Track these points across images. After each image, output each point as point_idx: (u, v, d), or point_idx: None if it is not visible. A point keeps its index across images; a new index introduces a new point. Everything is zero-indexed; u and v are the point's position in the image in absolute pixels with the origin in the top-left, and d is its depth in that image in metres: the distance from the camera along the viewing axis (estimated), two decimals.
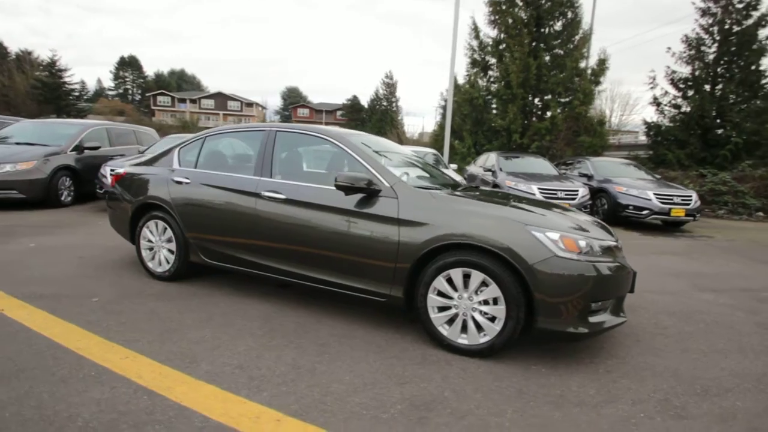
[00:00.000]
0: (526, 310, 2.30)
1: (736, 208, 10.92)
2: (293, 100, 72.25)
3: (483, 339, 2.40)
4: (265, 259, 3.06)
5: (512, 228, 2.33)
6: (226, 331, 2.69)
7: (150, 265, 3.66)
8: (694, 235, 7.59)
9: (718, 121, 13.79)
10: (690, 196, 7.87)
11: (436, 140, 22.95)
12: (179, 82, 73.40)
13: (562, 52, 14.29)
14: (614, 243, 2.56)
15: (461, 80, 16.36)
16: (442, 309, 2.51)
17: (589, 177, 9.07)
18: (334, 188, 2.80)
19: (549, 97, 13.48)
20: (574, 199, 7.60)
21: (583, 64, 13.72)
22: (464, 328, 2.45)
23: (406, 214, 2.56)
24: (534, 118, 14.35)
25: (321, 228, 2.81)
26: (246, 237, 3.11)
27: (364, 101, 53.41)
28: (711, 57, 14.50)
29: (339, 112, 59.29)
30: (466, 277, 2.41)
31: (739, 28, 13.81)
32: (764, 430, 1.86)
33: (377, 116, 50.19)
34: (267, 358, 2.35)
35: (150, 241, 3.63)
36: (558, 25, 14.54)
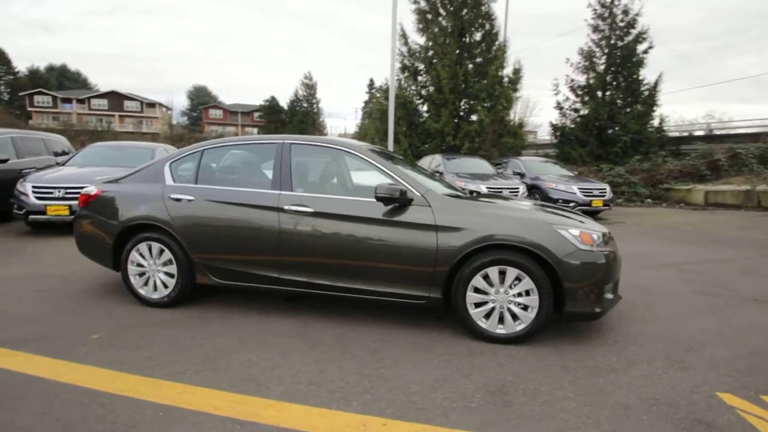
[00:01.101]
0: (555, 298, 2.67)
1: (631, 197, 13.01)
2: (202, 100, 67.29)
3: (519, 327, 2.72)
4: (290, 273, 3.03)
5: (542, 228, 2.68)
6: (270, 350, 2.64)
7: (142, 291, 3.35)
8: (610, 222, 8.93)
9: (610, 122, 16.19)
10: (605, 189, 9.24)
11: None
12: (60, 80, 63.66)
13: (481, 60, 15.57)
14: (609, 233, 3.06)
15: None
16: (478, 305, 2.77)
17: (522, 175, 10.12)
18: (361, 199, 2.91)
19: (474, 101, 14.59)
20: (516, 195, 8.45)
21: (502, 72, 15.09)
22: (500, 320, 2.75)
23: (443, 220, 2.77)
24: (462, 121, 15.41)
25: (355, 239, 2.89)
26: (268, 253, 3.05)
27: (284, 102, 51.82)
28: (601, 68, 16.95)
29: (256, 114, 56.74)
30: (501, 273, 2.71)
31: (622, 43, 16.36)
32: (743, 370, 2.43)
33: (298, 117, 49.12)
34: (330, 371, 2.39)
35: (140, 265, 3.33)
36: (478, 36, 15.79)
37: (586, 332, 2.98)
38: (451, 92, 14.17)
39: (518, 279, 2.69)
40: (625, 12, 16.57)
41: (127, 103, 55.08)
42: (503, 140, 14.85)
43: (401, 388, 2.21)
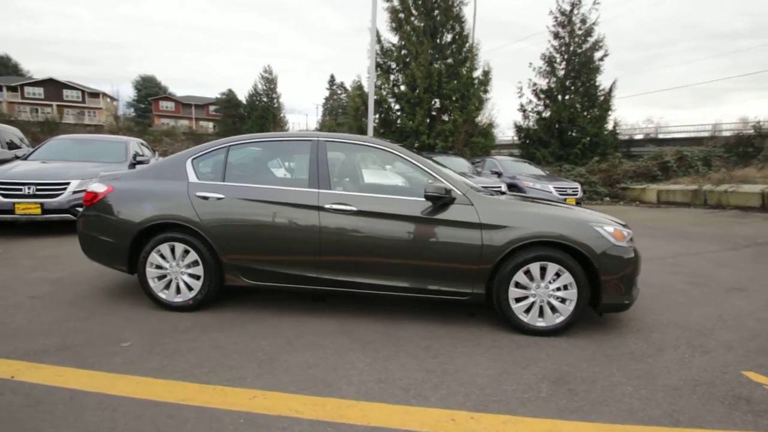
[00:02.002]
0: (591, 291, 2.85)
1: (592, 195, 13.91)
2: (150, 90, 63.09)
3: (558, 320, 2.87)
4: (329, 273, 2.99)
5: (582, 226, 2.85)
6: (322, 351, 2.60)
7: (162, 295, 3.17)
8: None
9: (570, 125, 17.19)
10: (577, 187, 9.84)
11: None
12: None
13: (452, 61, 15.95)
14: (631, 231, 3.29)
15: (364, 82, 16.86)
16: (518, 300, 2.89)
17: (499, 174, 10.51)
18: (403, 197, 2.94)
19: (448, 102, 14.93)
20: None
21: (473, 74, 15.54)
22: (540, 314, 2.89)
23: (487, 218, 2.86)
24: (434, 120, 15.71)
25: (399, 237, 2.91)
26: (307, 253, 2.99)
27: (242, 96, 49.87)
28: (561, 73, 17.96)
29: (212, 107, 54.20)
30: (542, 269, 2.84)
31: (580, 50, 17.41)
32: (754, 351, 2.73)
33: (258, 112, 47.47)
34: (393, 369, 2.41)
35: (161, 267, 3.14)
36: (449, 37, 16.15)
37: (610, 323, 3.19)
38: (426, 92, 14.40)
39: (558, 274, 2.84)
40: (583, 21, 17.67)
41: (67, 92, 50.65)
42: (474, 140, 15.33)
43: (469, 382, 2.27)
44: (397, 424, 1.89)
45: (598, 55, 17.22)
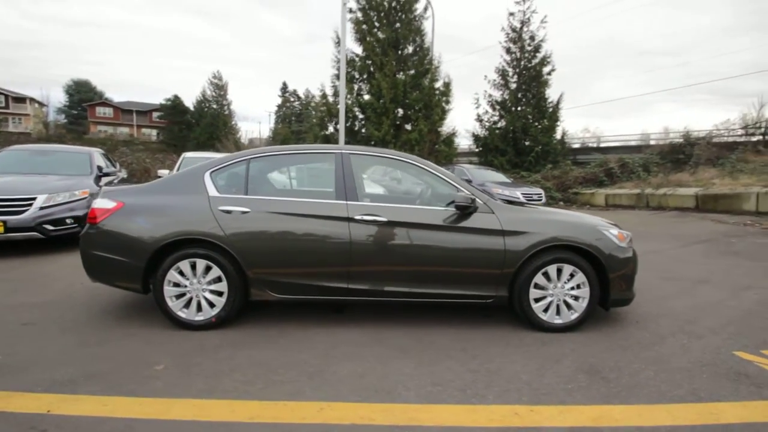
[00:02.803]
0: (600, 288, 3.14)
1: (548, 200, 14.88)
2: (84, 96, 58.31)
3: (573, 316, 3.13)
4: (360, 283, 3.05)
5: (592, 229, 3.14)
6: (365, 360, 2.66)
7: (182, 314, 3.05)
8: None
9: (524, 134, 18.30)
10: (541, 193, 10.54)
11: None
12: None
13: (414, 73, 16.45)
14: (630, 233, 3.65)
15: (328, 91, 16.92)
16: (537, 300, 3.12)
17: (469, 181, 10.96)
18: (429, 207, 3.10)
19: (412, 112, 15.36)
20: None
21: (435, 85, 16.12)
22: (557, 312, 3.14)
23: (508, 225, 3.07)
24: (399, 130, 16.07)
25: (429, 246, 3.04)
26: (338, 264, 3.02)
27: (189, 102, 47.57)
28: (514, 86, 19.11)
29: (156, 114, 51.21)
30: (558, 270, 3.10)
31: (530, 65, 18.63)
32: (735, 334, 3.15)
33: (207, 119, 45.57)
34: (440, 372, 2.52)
35: (179, 285, 3.03)
36: (410, 49, 16.65)
37: (611, 318, 3.51)
38: (392, 102, 14.72)
39: (572, 275, 3.10)
40: (532, 38, 18.94)
41: None
42: (438, 148, 15.87)
43: (515, 379, 2.44)
44: (468, 423, 2.01)
45: (546, 69, 18.51)
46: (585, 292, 3.11)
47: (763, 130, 13.90)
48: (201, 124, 45.29)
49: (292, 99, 67.77)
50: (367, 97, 16.27)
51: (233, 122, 48.65)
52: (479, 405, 2.16)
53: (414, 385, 2.35)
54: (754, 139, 13.73)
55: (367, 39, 15.82)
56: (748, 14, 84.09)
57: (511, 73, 19.23)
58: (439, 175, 3.23)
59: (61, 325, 3.12)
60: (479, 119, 19.84)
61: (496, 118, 19.45)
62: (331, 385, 2.34)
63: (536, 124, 18.55)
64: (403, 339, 2.99)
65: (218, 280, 3.04)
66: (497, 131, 18.97)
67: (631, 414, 2.10)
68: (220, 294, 3.06)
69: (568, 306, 3.14)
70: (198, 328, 3.06)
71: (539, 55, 18.63)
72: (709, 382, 2.43)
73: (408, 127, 16.28)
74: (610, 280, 3.10)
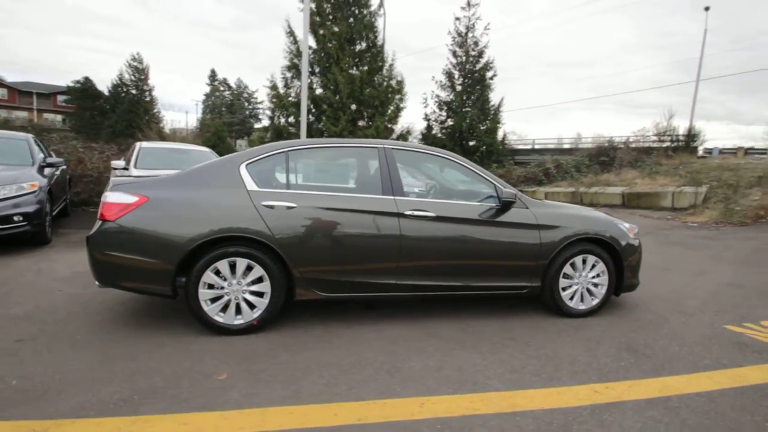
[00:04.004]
0: (616, 276, 3.49)
1: None
2: None
3: (594, 302, 3.44)
4: (408, 278, 3.05)
5: (611, 223, 3.47)
6: (431, 353, 2.69)
7: (219, 319, 2.81)
8: None
9: (470, 135, 19.23)
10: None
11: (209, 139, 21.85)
12: None
13: (367, 68, 16.44)
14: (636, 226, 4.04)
15: (279, 83, 16.24)
16: (564, 289, 3.38)
17: None
18: (470, 203, 3.21)
19: (369, 108, 15.33)
20: None
21: (388, 82, 16.23)
22: (581, 299, 3.42)
23: (542, 220, 3.28)
24: (354, 126, 15.96)
25: (473, 240, 3.13)
26: (388, 260, 2.99)
27: (103, 86, 42.33)
28: (459, 88, 19.97)
29: (62, 97, 44.89)
30: (583, 261, 3.38)
31: (475, 69, 19.60)
32: (718, 310, 3.69)
33: (125, 106, 40.95)
34: (507, 360, 2.63)
35: (214, 287, 2.78)
36: (363, 45, 16.59)
37: (615, 304, 3.89)
38: (349, 97, 14.57)
39: (593, 265, 3.41)
40: (476, 43, 19.94)
41: None
42: None
43: (575, 361, 2.64)
44: (563, 404, 2.14)
45: (489, 74, 19.63)
46: (604, 279, 3.43)
47: (672, 137, 16.20)
48: (117, 111, 40.51)
49: (221, 88, 63.76)
50: (319, 91, 15.92)
51: (156, 110, 44.38)
52: (561, 387, 2.31)
53: (492, 374, 2.44)
54: (665, 145, 15.96)
55: (320, 32, 15.45)
56: (648, 36, 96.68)
57: (456, 76, 20.08)
58: (477, 171, 3.33)
59: (68, 340, 2.70)
60: (427, 118, 20.46)
61: (443, 118, 20.21)
62: (416, 380, 2.33)
63: (480, 125, 19.60)
64: (451, 331, 3.06)
65: (260, 280, 2.84)
66: (445, 130, 19.71)
67: (685, 383, 2.40)
68: (260, 295, 2.86)
69: (590, 293, 3.44)
70: (237, 332, 2.83)
71: (482, 60, 19.67)
72: (722, 352, 2.84)
73: (361, 123, 16.25)
74: (624, 267, 3.46)
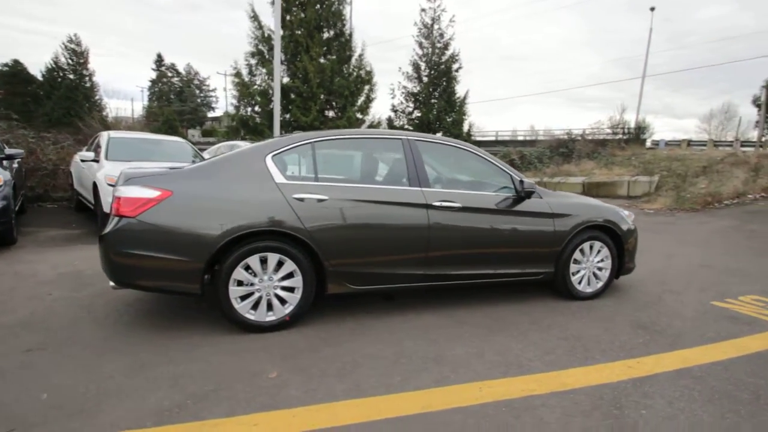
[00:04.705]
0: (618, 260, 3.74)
1: None
2: None
3: (599, 285, 3.68)
4: (436, 269, 3.10)
5: (614, 211, 3.70)
6: (465, 340, 2.77)
7: (250, 316, 2.72)
8: None
9: (438, 125, 19.52)
10: None
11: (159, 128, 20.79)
12: None
13: (336, 58, 16.15)
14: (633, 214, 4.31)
15: (243, 70, 15.57)
16: (574, 273, 3.58)
17: None
18: (491, 193, 3.31)
19: (339, 98, 15.08)
20: None
21: (358, 72, 16.05)
22: (588, 282, 3.64)
23: (555, 208, 3.44)
24: (323, 116, 15.66)
25: (497, 229, 3.24)
26: (417, 251, 3.02)
27: (36, 71, 38.36)
28: (426, 79, 20.15)
29: None
30: (590, 247, 3.59)
31: (441, 61, 19.84)
32: (701, 288, 4.07)
33: (62, 92, 37.44)
34: (539, 342, 2.77)
35: (243, 283, 2.69)
36: (332, 33, 16.25)
37: (612, 286, 4.18)
38: (319, 87, 14.25)
39: (599, 250, 3.63)
40: (441, 35, 20.18)
41: None
42: None
43: (600, 341, 2.82)
44: (605, 379, 2.30)
45: (455, 66, 19.95)
46: (608, 264, 3.68)
47: (624, 130, 17.37)
48: (53, 98, 36.96)
49: (169, 74, 59.99)
50: (286, 79, 15.44)
51: (97, 97, 40.93)
52: (597, 365, 2.48)
53: (532, 356, 2.55)
54: (618, 137, 17.10)
55: (287, 18, 14.93)
56: (592, 33, 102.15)
57: (423, 67, 20.24)
58: (495, 163, 3.43)
59: (85, 347, 2.50)
60: (394, 109, 20.53)
61: (410, 109, 20.35)
62: (465, 367, 2.40)
63: (447, 117, 19.94)
64: (476, 317, 3.15)
65: (291, 275, 2.77)
66: (413, 121, 19.87)
67: (699, 354, 2.64)
68: (290, 290, 2.80)
69: (596, 277, 3.67)
70: (269, 329, 2.76)
71: (448, 53, 19.96)
72: (718, 325, 3.15)
73: (330, 114, 15.98)
74: (625, 252, 3.72)
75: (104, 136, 6.58)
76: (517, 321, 3.12)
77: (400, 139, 3.19)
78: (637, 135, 17.38)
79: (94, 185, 5.66)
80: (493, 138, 26.07)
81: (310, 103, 14.32)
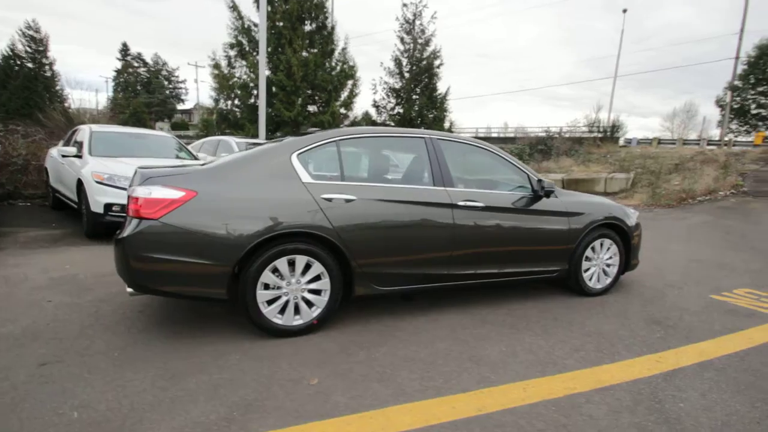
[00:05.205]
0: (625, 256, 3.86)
1: None
2: None
3: (607, 282, 3.79)
4: (458, 268, 3.10)
5: (622, 209, 3.83)
6: (492, 340, 2.79)
7: (278, 320, 2.64)
8: None
9: (420, 121, 19.56)
10: None
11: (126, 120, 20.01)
12: None
13: (318, 51, 15.88)
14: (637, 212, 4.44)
15: (222, 62, 15.06)
16: (585, 270, 3.68)
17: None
18: (511, 192, 3.34)
19: (323, 92, 14.83)
20: None
21: (341, 66, 15.83)
22: (598, 279, 3.75)
23: (570, 207, 3.51)
24: (304, 110, 15.39)
25: (518, 228, 3.28)
26: (441, 250, 3.01)
27: None
28: (408, 75, 20.13)
29: None
30: (600, 245, 3.69)
31: (422, 57, 19.85)
32: (698, 282, 4.27)
33: (19, 81, 34.97)
34: (565, 339, 2.82)
35: (270, 287, 2.60)
36: (313, 26, 15.95)
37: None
38: (303, 80, 13.97)
39: (609, 247, 3.74)
40: (422, 31, 20.18)
41: None
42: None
43: (622, 337, 2.90)
44: (638, 375, 2.37)
45: (436, 62, 20.01)
46: (616, 260, 3.80)
47: (599, 128, 18.01)
48: (10, 87, 34.42)
49: (136, 64, 57.29)
50: (267, 73, 15.05)
51: (59, 87, 38.53)
52: (627, 360, 2.55)
53: (563, 354, 2.60)
54: (593, 135, 17.71)
55: (270, 9, 14.52)
56: (563, 32, 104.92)
57: (405, 63, 20.20)
58: (514, 162, 3.46)
59: (106, 358, 2.35)
60: (376, 105, 20.40)
61: (392, 105, 20.29)
62: (503, 367, 2.42)
63: (429, 114, 20.02)
64: (498, 316, 3.19)
65: (319, 277, 2.71)
66: (396, 117, 19.83)
67: (714, 347, 2.77)
68: (317, 293, 2.73)
69: (605, 273, 3.78)
70: (296, 333, 2.68)
71: (429, 49, 19.98)
72: (722, 318, 3.31)
73: (311, 108, 15.71)
74: (632, 247, 3.85)
75: (85, 130, 6.21)
76: (538, 318, 3.18)
77: (423, 137, 3.16)
78: (611, 133, 18.05)
79: (79, 182, 5.34)
80: (472, 135, 26.44)
81: (293, 98, 14.03)
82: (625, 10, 25.28)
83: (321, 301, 2.74)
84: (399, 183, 3.08)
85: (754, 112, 24.15)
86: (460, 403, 2.04)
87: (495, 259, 3.25)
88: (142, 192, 2.44)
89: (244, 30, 14.89)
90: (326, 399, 2.04)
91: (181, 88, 59.77)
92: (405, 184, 3.05)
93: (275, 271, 2.59)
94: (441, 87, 20.34)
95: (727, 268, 4.91)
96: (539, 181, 3.37)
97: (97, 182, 5.01)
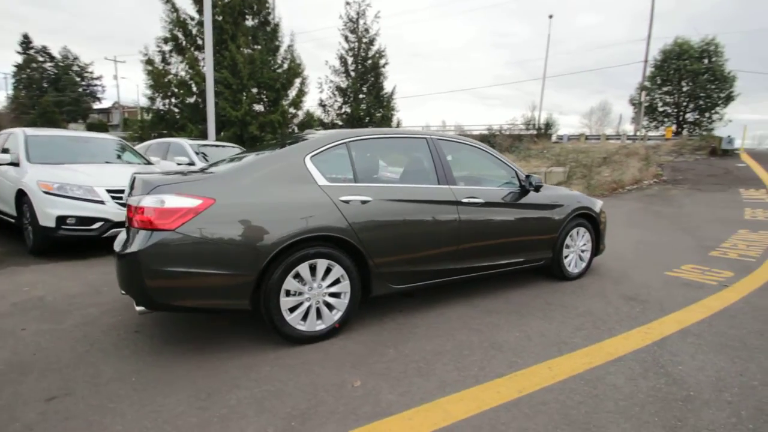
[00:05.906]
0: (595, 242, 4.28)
1: None
2: None
3: (582, 266, 4.18)
4: (463, 262, 3.25)
5: (592, 200, 4.23)
6: (503, 327, 2.98)
7: (301, 327, 2.60)
8: None
9: (369, 122, 19.66)
10: None
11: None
12: None
13: (262, 47, 15.33)
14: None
15: (156, 57, 13.98)
16: (565, 257, 4.03)
17: None
18: (504, 188, 3.57)
19: (270, 91, 14.33)
20: None
21: (287, 64, 15.40)
22: (575, 264, 4.11)
23: (553, 200, 3.82)
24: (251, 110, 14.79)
25: (513, 221, 3.50)
26: (449, 245, 3.13)
27: None
28: (354, 74, 20.13)
29: None
30: (577, 233, 4.06)
31: (367, 56, 19.95)
32: (650, 263, 4.83)
33: None
34: (567, 322, 3.09)
35: (292, 293, 2.56)
36: (255, 21, 15.36)
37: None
38: (249, 78, 13.40)
39: (584, 234, 4.13)
40: (367, 30, 20.28)
41: None
42: (304, 131, 15.43)
43: (608, 313, 3.24)
44: (636, 345, 2.68)
45: (382, 62, 20.22)
46: (589, 246, 4.20)
47: (536, 126, 19.41)
48: None
49: (41, 58, 51.01)
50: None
51: None
52: (622, 334, 2.86)
53: (569, 334, 2.85)
54: (530, 132, 19.07)
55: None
56: (490, 35, 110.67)
57: (350, 61, 20.16)
58: (503, 160, 3.68)
59: (124, 383, 2.17)
60: (322, 104, 20.16)
61: (339, 104, 20.17)
62: (524, 350, 2.60)
63: (376, 113, 20.18)
64: (499, 304, 3.39)
65: (338, 280, 2.70)
66: (343, 116, 19.74)
67: (686, 316, 3.20)
68: (336, 296, 2.72)
69: (581, 258, 4.17)
70: (320, 338, 2.66)
71: (374, 48, 20.14)
72: (681, 291, 3.81)
73: (258, 108, 15.14)
74: (600, 235, 4.28)
75: (17, 134, 5.48)
76: (534, 304, 3.43)
77: (425, 138, 3.26)
78: (545, 130, 19.54)
79: (19, 194, 4.71)
80: None
81: (239, 96, 13.42)
82: (551, 16, 27.51)
83: (341, 304, 2.73)
84: (407, 183, 3.15)
85: (660, 109, 27.49)
86: (502, 388, 2.17)
87: (495, 251, 3.45)
88: (152, 201, 2.26)
89: (180, 23, 13.96)
90: (377, 399, 2.06)
91: (96, 85, 54.26)
92: (413, 184, 3.13)
93: (297, 276, 2.55)
94: (387, 86, 20.65)
95: (668, 247, 5.62)
96: (527, 177, 3.63)
97: (45, 192, 4.47)
